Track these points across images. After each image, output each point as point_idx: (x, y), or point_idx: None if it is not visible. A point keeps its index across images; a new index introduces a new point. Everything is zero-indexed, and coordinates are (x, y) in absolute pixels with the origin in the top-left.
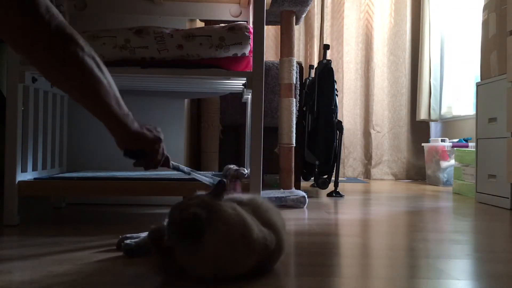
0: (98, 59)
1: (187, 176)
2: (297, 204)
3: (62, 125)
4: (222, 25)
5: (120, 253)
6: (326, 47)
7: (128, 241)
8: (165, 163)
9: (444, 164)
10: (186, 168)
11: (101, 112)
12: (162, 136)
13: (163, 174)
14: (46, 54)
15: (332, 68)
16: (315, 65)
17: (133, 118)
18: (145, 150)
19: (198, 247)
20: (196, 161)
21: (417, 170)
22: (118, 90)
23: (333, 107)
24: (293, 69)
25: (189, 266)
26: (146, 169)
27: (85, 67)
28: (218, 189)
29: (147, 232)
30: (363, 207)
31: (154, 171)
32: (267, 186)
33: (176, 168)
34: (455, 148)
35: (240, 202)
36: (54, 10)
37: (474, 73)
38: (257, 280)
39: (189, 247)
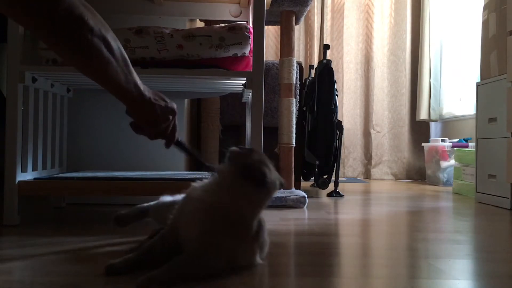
0: (109, 36)
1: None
2: (297, 204)
3: (62, 125)
4: (222, 25)
5: (120, 253)
6: (326, 47)
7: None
8: (169, 137)
9: (444, 164)
10: (192, 150)
11: (107, 87)
12: (174, 108)
13: (163, 174)
14: (52, 35)
15: (332, 68)
16: (315, 65)
17: (142, 88)
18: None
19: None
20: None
21: (417, 170)
22: (128, 59)
23: (333, 107)
24: (293, 69)
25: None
26: (140, 133)
27: (92, 50)
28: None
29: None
30: (363, 207)
31: (152, 171)
32: None
33: (182, 147)
34: (455, 148)
35: None
36: None
37: (474, 73)
38: (257, 279)
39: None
